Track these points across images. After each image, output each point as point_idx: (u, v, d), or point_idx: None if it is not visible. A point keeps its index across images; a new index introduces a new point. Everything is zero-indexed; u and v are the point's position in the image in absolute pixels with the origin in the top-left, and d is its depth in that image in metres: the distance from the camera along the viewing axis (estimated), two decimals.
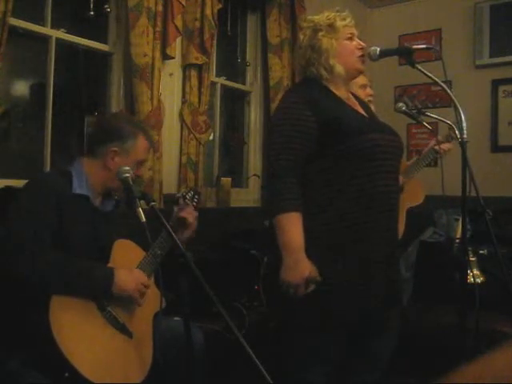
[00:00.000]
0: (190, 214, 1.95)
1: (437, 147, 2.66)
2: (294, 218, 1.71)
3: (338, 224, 1.74)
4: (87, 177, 1.79)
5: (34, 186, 1.75)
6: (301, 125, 1.75)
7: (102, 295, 1.65)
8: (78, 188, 1.76)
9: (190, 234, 1.95)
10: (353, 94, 2.00)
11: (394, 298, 1.88)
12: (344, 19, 1.88)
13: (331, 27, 1.85)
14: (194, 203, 2.01)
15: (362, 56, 1.88)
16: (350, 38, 1.87)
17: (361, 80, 2.55)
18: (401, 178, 2.32)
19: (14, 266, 1.57)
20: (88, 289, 1.63)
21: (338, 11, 1.90)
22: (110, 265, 1.73)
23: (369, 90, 2.58)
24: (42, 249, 1.61)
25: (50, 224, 1.65)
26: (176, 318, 1.90)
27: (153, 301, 1.80)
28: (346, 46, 1.86)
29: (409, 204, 2.70)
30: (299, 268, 1.68)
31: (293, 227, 1.70)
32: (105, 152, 1.80)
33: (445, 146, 2.65)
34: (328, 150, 1.76)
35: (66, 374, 1.49)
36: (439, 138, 2.68)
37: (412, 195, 2.73)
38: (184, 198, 1.99)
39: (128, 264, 1.77)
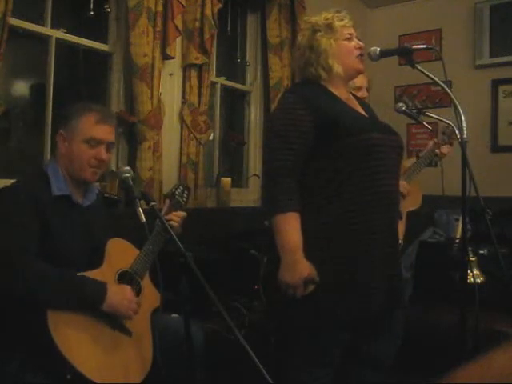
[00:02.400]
0: (175, 216, 1.94)
1: (437, 150, 2.66)
2: (291, 219, 1.70)
3: (337, 224, 1.74)
4: (63, 174, 1.76)
5: (12, 195, 1.69)
6: (298, 125, 1.75)
7: (91, 310, 1.62)
8: (57, 189, 1.73)
9: (175, 232, 1.94)
10: (353, 95, 2.00)
11: (396, 299, 1.88)
12: (342, 19, 1.88)
13: (329, 27, 1.86)
14: (184, 199, 2.00)
15: (361, 56, 1.88)
16: (349, 39, 1.87)
17: (357, 82, 2.55)
18: (403, 184, 2.32)
19: (2, 280, 1.54)
20: (77, 304, 1.58)
21: (336, 11, 1.90)
22: (104, 264, 1.72)
23: (363, 93, 2.57)
24: (30, 262, 1.58)
25: (34, 234, 1.62)
26: (174, 315, 1.90)
27: (150, 298, 1.80)
28: (345, 46, 1.86)
29: (409, 208, 2.70)
30: (297, 269, 1.68)
31: (290, 228, 1.70)
32: (57, 139, 1.78)
33: (444, 149, 2.64)
34: (326, 149, 1.76)
35: (68, 377, 1.48)
36: (438, 140, 2.68)
37: (412, 199, 2.73)
38: (173, 193, 1.99)
39: (122, 263, 1.77)
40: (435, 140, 2.68)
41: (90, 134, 1.75)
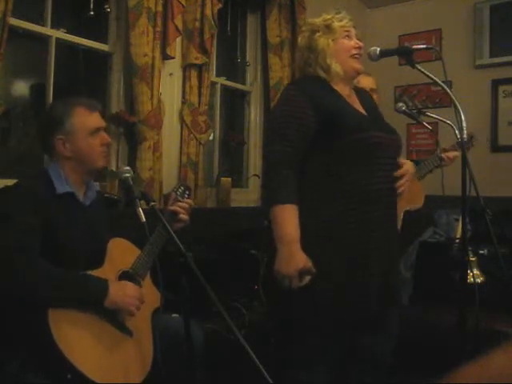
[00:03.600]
0: (182, 209, 1.94)
1: (442, 155, 2.65)
2: (289, 210, 1.70)
3: (336, 221, 1.74)
4: (65, 173, 1.77)
5: (14, 194, 1.69)
6: (298, 117, 1.75)
7: (94, 307, 1.62)
8: (60, 187, 1.73)
9: (180, 226, 1.95)
10: (358, 91, 1.99)
11: (393, 298, 1.88)
12: (341, 20, 1.88)
13: (328, 28, 1.87)
14: (185, 199, 2.01)
15: (358, 55, 1.88)
16: (348, 36, 1.88)
17: (361, 83, 2.54)
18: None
19: (3, 279, 1.54)
20: (80, 302, 1.59)
21: (336, 13, 1.91)
22: (105, 264, 1.72)
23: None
24: (31, 261, 1.57)
25: (36, 233, 1.61)
26: (174, 315, 1.90)
27: (151, 298, 1.80)
28: (342, 45, 1.87)
29: (406, 207, 2.69)
30: (293, 260, 1.68)
31: (288, 219, 1.70)
32: (54, 145, 1.77)
33: (451, 154, 2.63)
34: (327, 145, 1.76)
35: (69, 376, 1.48)
36: (444, 146, 2.66)
37: (410, 198, 2.72)
38: (175, 193, 1.99)
39: (123, 263, 1.77)
40: (441, 147, 2.66)
41: (90, 125, 1.78)
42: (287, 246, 1.69)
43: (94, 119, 1.81)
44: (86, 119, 1.78)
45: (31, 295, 1.55)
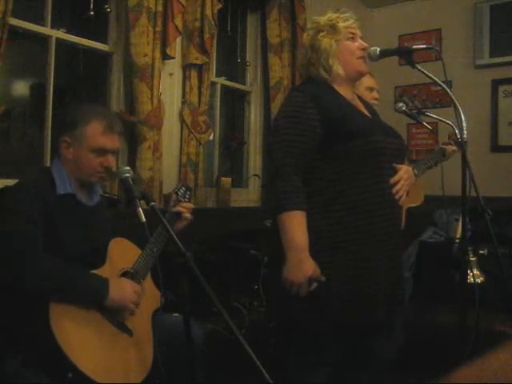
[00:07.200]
0: (185, 209, 1.96)
1: (444, 146, 2.66)
2: (297, 217, 1.70)
3: (340, 224, 1.74)
4: (67, 173, 1.76)
5: (18, 190, 1.70)
6: (305, 123, 1.74)
7: (94, 306, 1.62)
8: (62, 188, 1.73)
9: (184, 225, 1.97)
10: (358, 96, 1.99)
11: (396, 299, 1.88)
12: (346, 20, 1.86)
13: (332, 28, 1.85)
14: (186, 199, 2.02)
15: (364, 57, 1.87)
16: (352, 38, 1.86)
17: (367, 82, 2.54)
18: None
19: (15, 269, 1.54)
20: (81, 299, 1.60)
21: (341, 12, 1.89)
22: (106, 264, 1.72)
23: (375, 94, 2.58)
24: (35, 252, 1.58)
25: (38, 227, 1.62)
26: (175, 314, 1.90)
27: (151, 298, 1.80)
28: (347, 47, 1.85)
29: (409, 204, 2.69)
30: (303, 267, 1.67)
31: (296, 226, 1.70)
32: (60, 144, 1.76)
33: (450, 147, 2.64)
34: (332, 149, 1.75)
35: (70, 375, 1.48)
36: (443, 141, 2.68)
37: (413, 196, 2.73)
38: (176, 194, 2.00)
39: (124, 263, 1.77)
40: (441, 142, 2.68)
41: (97, 145, 1.74)
42: (296, 253, 1.69)
43: (105, 140, 1.74)
44: (96, 136, 1.73)
45: (37, 290, 1.55)
